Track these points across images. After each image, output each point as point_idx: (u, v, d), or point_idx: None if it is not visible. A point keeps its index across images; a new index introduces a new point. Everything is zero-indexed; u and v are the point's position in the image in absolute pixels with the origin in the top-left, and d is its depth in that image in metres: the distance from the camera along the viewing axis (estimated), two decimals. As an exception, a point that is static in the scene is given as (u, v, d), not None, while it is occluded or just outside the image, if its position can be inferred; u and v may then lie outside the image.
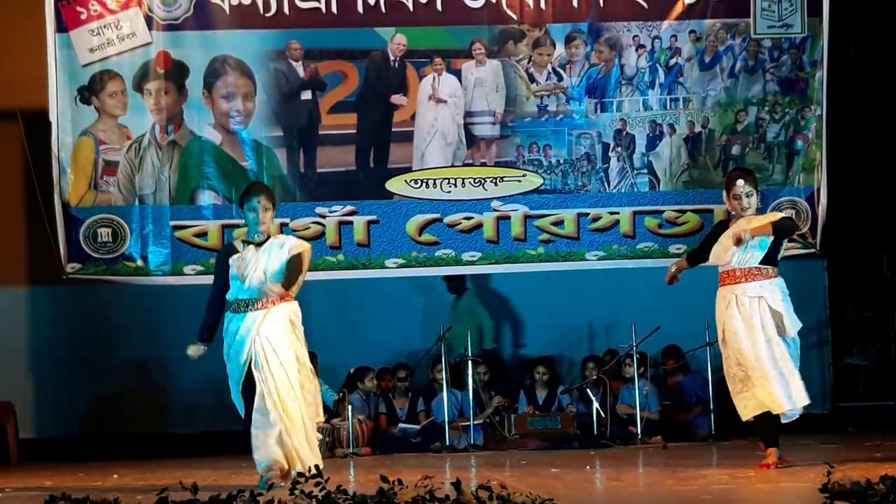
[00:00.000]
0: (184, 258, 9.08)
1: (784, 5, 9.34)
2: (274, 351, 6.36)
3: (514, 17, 9.32)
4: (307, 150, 9.26)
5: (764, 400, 6.66)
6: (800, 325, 6.78)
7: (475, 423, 9.39)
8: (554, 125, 9.39)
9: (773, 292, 6.72)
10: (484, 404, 9.59)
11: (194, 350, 6.56)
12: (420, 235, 9.27)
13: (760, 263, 6.73)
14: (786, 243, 6.91)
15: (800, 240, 9.19)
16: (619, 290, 10.15)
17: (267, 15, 9.14)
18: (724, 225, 6.97)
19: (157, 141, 9.10)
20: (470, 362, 9.48)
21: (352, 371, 9.82)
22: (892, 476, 4.80)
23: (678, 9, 9.39)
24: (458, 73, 9.33)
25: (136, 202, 9.09)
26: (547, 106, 9.37)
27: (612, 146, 9.40)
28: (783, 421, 6.74)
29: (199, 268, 8.98)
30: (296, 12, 9.17)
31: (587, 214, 9.36)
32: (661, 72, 9.39)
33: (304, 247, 6.53)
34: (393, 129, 9.30)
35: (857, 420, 9.96)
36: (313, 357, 9.47)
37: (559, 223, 9.34)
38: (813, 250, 9.27)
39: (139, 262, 9.08)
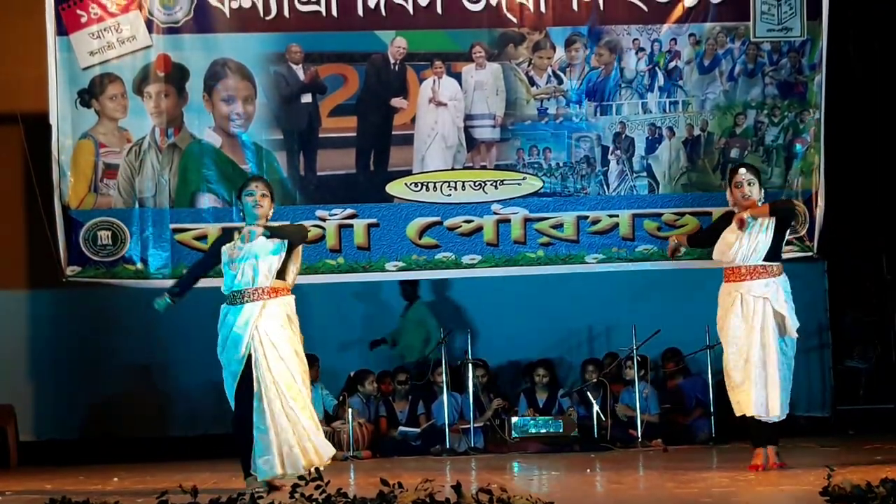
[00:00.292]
0: (184, 261, 9.06)
1: (783, 9, 9.35)
2: (273, 346, 6.37)
3: (514, 20, 9.32)
4: (307, 153, 9.26)
5: (739, 401, 6.69)
6: (797, 324, 6.79)
7: (475, 426, 9.39)
8: (554, 128, 9.39)
9: (777, 292, 6.71)
10: (484, 407, 9.59)
11: (161, 302, 6.60)
12: (420, 238, 9.27)
13: (764, 260, 6.72)
14: (787, 236, 6.91)
15: (798, 243, 9.19)
16: (619, 293, 10.16)
17: (267, 18, 9.15)
18: (728, 217, 6.95)
19: (158, 144, 9.11)
20: (470, 365, 9.48)
21: (352, 374, 9.82)
22: (893, 479, 4.80)
23: (678, 12, 9.40)
24: (458, 77, 9.33)
25: (136, 205, 9.09)
26: (547, 109, 9.38)
27: (611, 149, 9.41)
28: (765, 420, 6.70)
29: (199, 270, 8.97)
30: (296, 15, 9.17)
31: (587, 217, 9.37)
32: (660, 75, 9.40)
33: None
34: (393, 133, 9.30)
35: (858, 423, 9.96)
36: (314, 360, 9.54)
37: (559, 226, 9.34)
38: (811, 253, 9.27)
39: (139, 265, 9.08)
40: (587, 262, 9.38)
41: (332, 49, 9.28)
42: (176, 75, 9.11)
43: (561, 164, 9.38)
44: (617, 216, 9.37)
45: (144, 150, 9.09)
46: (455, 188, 9.31)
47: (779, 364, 6.67)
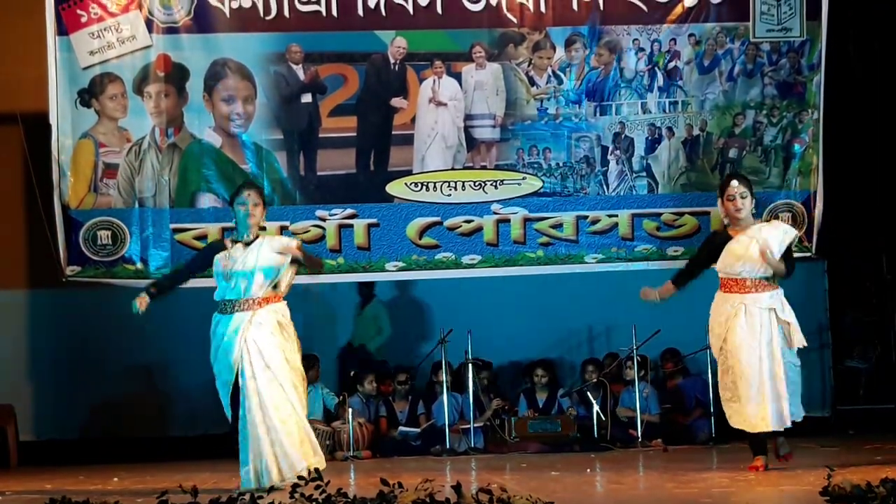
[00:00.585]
0: (183, 261, 9.06)
1: (783, 9, 9.35)
2: (259, 353, 6.33)
3: (514, 20, 9.33)
4: (307, 153, 9.27)
5: (748, 418, 6.63)
6: (805, 342, 6.78)
7: (475, 426, 9.39)
8: (553, 128, 9.39)
9: (782, 303, 6.70)
10: (484, 407, 9.59)
11: (140, 301, 6.59)
12: (420, 238, 9.27)
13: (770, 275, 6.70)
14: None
15: (796, 243, 9.19)
16: (619, 292, 10.13)
17: (267, 18, 9.15)
18: (715, 238, 6.89)
19: (157, 144, 9.11)
20: (471, 365, 9.48)
21: (352, 374, 9.82)
22: (893, 479, 4.80)
23: (677, 12, 9.40)
24: (458, 77, 9.34)
25: (136, 205, 9.09)
26: (547, 109, 9.38)
27: (611, 149, 9.41)
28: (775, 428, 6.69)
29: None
30: (296, 15, 9.17)
31: (586, 217, 9.37)
32: (660, 75, 9.40)
33: (289, 242, 6.54)
34: (393, 133, 9.31)
35: (858, 423, 9.96)
36: (315, 360, 9.53)
37: (558, 226, 9.35)
38: (809, 254, 9.27)
39: (139, 265, 9.08)
40: (587, 262, 9.39)
41: (333, 49, 9.28)
42: (176, 75, 9.11)
43: (561, 164, 9.38)
44: (616, 216, 9.37)
45: (144, 149, 9.09)
46: (455, 188, 9.31)
47: (788, 374, 6.65)
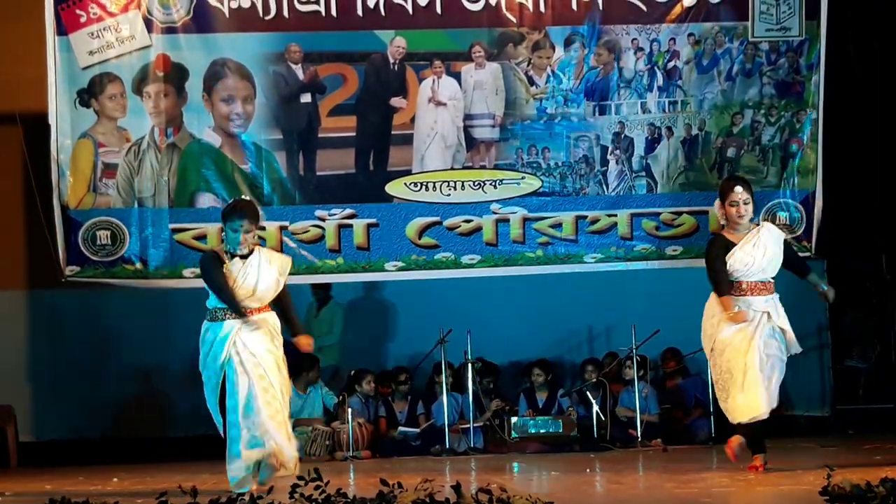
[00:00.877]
0: (183, 261, 9.07)
1: (782, 8, 9.35)
2: (251, 354, 6.36)
3: (514, 19, 9.32)
4: (307, 153, 9.26)
5: (750, 404, 6.62)
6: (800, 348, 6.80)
7: (475, 426, 9.39)
8: (552, 128, 9.39)
9: (776, 307, 6.69)
10: (484, 407, 9.58)
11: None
12: (420, 238, 9.27)
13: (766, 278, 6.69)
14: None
15: (795, 243, 9.19)
16: (619, 292, 10.15)
17: (266, 18, 9.14)
18: (720, 241, 6.84)
19: (157, 143, 9.10)
20: (470, 365, 9.48)
21: (351, 373, 9.82)
22: (892, 479, 4.80)
23: (677, 12, 9.39)
24: (457, 76, 9.33)
25: (136, 205, 9.08)
26: (546, 109, 9.38)
27: (610, 149, 9.41)
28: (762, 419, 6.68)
29: (198, 270, 8.95)
30: (295, 15, 9.16)
31: (585, 217, 9.37)
32: (659, 75, 9.40)
33: (287, 265, 6.58)
34: (392, 132, 9.30)
35: (857, 423, 9.96)
36: (314, 361, 9.53)
37: (557, 226, 9.34)
38: (808, 254, 9.26)
39: (138, 265, 9.07)
40: (586, 262, 9.38)
41: (332, 49, 9.28)
42: (175, 75, 9.10)
43: (560, 164, 9.38)
44: (615, 216, 9.36)
45: (144, 149, 9.09)
46: (454, 188, 9.30)
47: (776, 364, 6.65)
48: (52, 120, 8.91)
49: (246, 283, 6.37)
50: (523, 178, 9.35)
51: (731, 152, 9.42)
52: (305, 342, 6.57)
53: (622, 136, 9.40)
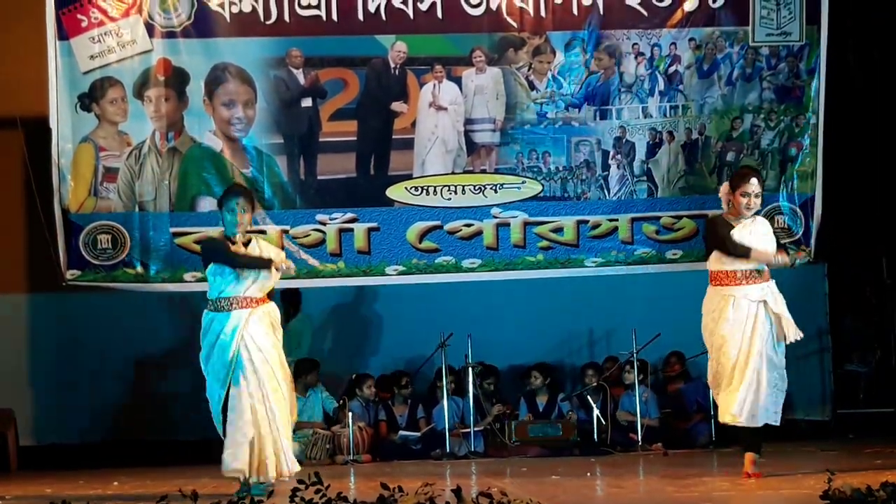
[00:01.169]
0: (184, 265, 9.07)
1: (783, 13, 9.37)
2: (259, 349, 6.37)
3: (515, 24, 9.33)
4: (308, 158, 9.27)
5: (726, 407, 6.61)
6: (800, 334, 6.73)
7: (475, 429, 9.39)
8: (553, 132, 9.40)
9: (774, 295, 6.67)
10: (485, 411, 9.59)
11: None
12: (420, 242, 9.27)
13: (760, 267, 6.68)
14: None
15: (793, 247, 9.19)
16: (619, 296, 10.16)
17: (267, 22, 9.15)
18: (724, 220, 6.82)
19: (158, 147, 9.11)
20: (471, 369, 9.48)
21: (353, 377, 9.82)
22: (893, 483, 4.81)
23: (677, 16, 9.41)
24: (458, 81, 9.34)
25: (136, 209, 9.09)
26: (547, 113, 9.39)
27: (611, 153, 9.42)
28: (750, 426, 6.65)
29: (199, 274, 8.94)
30: (296, 20, 9.17)
31: (587, 221, 9.38)
32: (660, 79, 9.41)
33: (282, 255, 6.63)
34: (393, 137, 9.31)
35: (858, 427, 9.96)
36: (314, 365, 9.54)
37: (559, 230, 9.35)
38: (807, 258, 9.26)
39: (139, 269, 9.07)
40: (587, 266, 9.39)
41: (333, 53, 9.29)
42: (176, 79, 9.11)
43: (561, 168, 9.39)
44: (616, 220, 9.37)
45: (144, 153, 9.09)
46: (455, 192, 9.31)
47: (768, 371, 6.60)
48: (53, 124, 8.92)
49: (249, 270, 6.39)
50: (524, 182, 9.36)
51: (730, 156, 9.44)
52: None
53: (623, 140, 9.41)
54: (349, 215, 9.24)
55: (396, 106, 9.31)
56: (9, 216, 9.90)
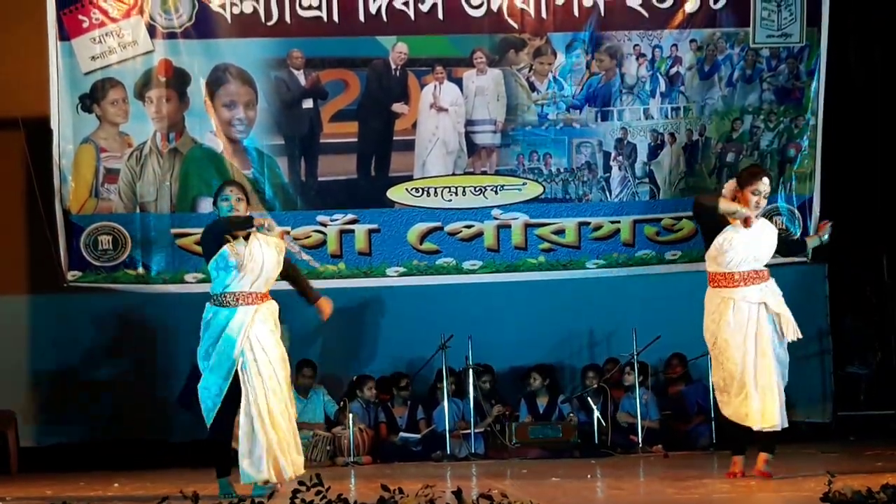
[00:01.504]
0: (185, 266, 9.08)
1: (783, 14, 9.37)
2: (264, 350, 6.36)
3: (515, 25, 9.34)
4: (308, 159, 9.28)
5: (738, 411, 6.60)
6: (799, 333, 6.71)
7: (476, 431, 9.39)
8: (554, 134, 9.41)
9: (773, 294, 6.64)
10: (485, 413, 9.58)
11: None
12: (421, 244, 9.28)
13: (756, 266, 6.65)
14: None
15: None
16: (620, 298, 10.15)
17: (268, 24, 9.16)
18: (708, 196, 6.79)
19: (159, 148, 9.12)
20: (471, 371, 9.48)
21: (353, 379, 9.82)
22: (893, 485, 4.80)
23: (678, 18, 9.41)
24: (459, 82, 9.35)
25: (137, 210, 9.10)
26: (548, 115, 9.39)
27: (613, 155, 9.42)
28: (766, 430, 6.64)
29: (201, 275, 8.98)
30: (297, 21, 9.18)
31: (588, 223, 9.38)
32: (661, 81, 9.42)
33: (283, 245, 6.59)
34: (394, 138, 9.32)
35: (858, 429, 9.96)
36: (314, 366, 9.53)
37: (560, 232, 9.36)
38: (805, 259, 9.24)
39: (140, 270, 9.09)
40: (588, 268, 9.39)
41: (334, 54, 9.30)
42: (177, 80, 9.12)
43: (562, 170, 9.40)
44: (618, 222, 9.38)
45: (146, 154, 9.10)
46: (456, 193, 9.32)
47: (775, 372, 6.59)
48: (54, 125, 8.94)
49: (254, 261, 6.35)
50: (525, 183, 9.37)
51: (730, 157, 9.45)
52: (327, 306, 6.65)
53: (625, 142, 9.42)
54: (350, 216, 9.24)
55: (397, 107, 9.32)
56: (10, 217, 9.89)
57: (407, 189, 9.29)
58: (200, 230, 9.02)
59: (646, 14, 9.39)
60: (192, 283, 9.02)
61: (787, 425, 6.61)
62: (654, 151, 9.43)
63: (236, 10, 9.13)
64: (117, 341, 10.07)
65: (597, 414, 9.39)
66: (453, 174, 9.34)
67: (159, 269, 9.08)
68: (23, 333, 10.13)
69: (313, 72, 9.26)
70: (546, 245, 9.35)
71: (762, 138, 9.45)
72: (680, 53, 9.41)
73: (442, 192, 9.31)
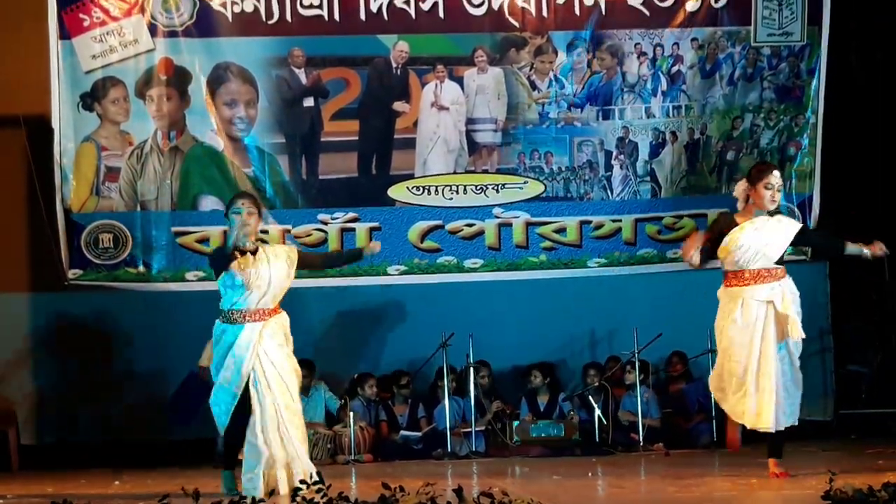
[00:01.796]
0: (186, 264, 9.09)
1: (785, 13, 9.37)
2: (273, 364, 6.35)
3: (516, 24, 9.34)
4: (309, 157, 9.28)
5: (734, 408, 6.57)
6: (803, 334, 6.67)
7: (476, 429, 9.39)
8: (556, 132, 9.41)
9: (782, 294, 6.59)
10: (486, 411, 9.58)
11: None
12: (422, 242, 9.28)
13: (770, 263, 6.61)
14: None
15: (789, 249, 9.17)
16: (621, 296, 10.15)
17: (269, 22, 9.16)
18: (723, 220, 6.75)
19: (160, 147, 9.12)
20: (472, 369, 9.48)
21: (354, 377, 9.82)
22: (894, 483, 4.80)
23: (680, 17, 9.41)
24: (460, 81, 9.35)
25: (138, 208, 9.11)
26: (549, 113, 9.39)
27: (614, 154, 9.42)
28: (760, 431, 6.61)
29: (201, 273, 8.99)
30: (298, 19, 9.19)
31: (590, 222, 9.38)
32: (663, 79, 9.42)
33: (294, 253, 6.55)
34: (395, 136, 9.33)
35: (860, 428, 9.95)
36: (312, 366, 9.53)
37: (561, 230, 9.36)
38: (804, 257, 9.24)
39: (141, 269, 9.09)
40: (589, 267, 9.39)
41: (335, 53, 9.30)
42: (178, 79, 9.12)
43: (563, 169, 9.40)
44: (620, 220, 9.38)
45: (146, 153, 9.11)
46: (457, 192, 9.32)
47: (774, 374, 6.53)
48: (55, 123, 8.94)
49: (260, 277, 6.32)
50: (526, 182, 9.37)
51: (730, 155, 9.45)
52: (374, 246, 6.88)
53: (626, 140, 9.42)
54: (351, 215, 9.25)
55: (398, 105, 9.32)
56: (11, 215, 9.89)
57: (408, 187, 9.29)
58: (201, 228, 9.10)
59: (647, 13, 9.39)
60: (192, 281, 9.02)
61: (782, 427, 6.57)
62: (655, 150, 9.43)
63: (237, 9, 9.13)
64: (118, 339, 10.07)
65: (598, 412, 9.39)
66: (454, 173, 9.35)
67: (160, 268, 9.08)
68: (23, 331, 10.13)
69: (314, 70, 9.26)
70: (547, 244, 9.35)
71: (762, 136, 9.45)
72: (681, 52, 9.41)
73: (443, 190, 9.31)
